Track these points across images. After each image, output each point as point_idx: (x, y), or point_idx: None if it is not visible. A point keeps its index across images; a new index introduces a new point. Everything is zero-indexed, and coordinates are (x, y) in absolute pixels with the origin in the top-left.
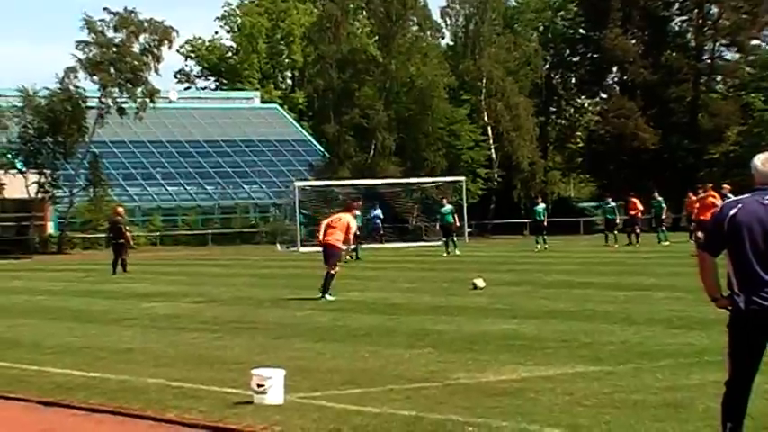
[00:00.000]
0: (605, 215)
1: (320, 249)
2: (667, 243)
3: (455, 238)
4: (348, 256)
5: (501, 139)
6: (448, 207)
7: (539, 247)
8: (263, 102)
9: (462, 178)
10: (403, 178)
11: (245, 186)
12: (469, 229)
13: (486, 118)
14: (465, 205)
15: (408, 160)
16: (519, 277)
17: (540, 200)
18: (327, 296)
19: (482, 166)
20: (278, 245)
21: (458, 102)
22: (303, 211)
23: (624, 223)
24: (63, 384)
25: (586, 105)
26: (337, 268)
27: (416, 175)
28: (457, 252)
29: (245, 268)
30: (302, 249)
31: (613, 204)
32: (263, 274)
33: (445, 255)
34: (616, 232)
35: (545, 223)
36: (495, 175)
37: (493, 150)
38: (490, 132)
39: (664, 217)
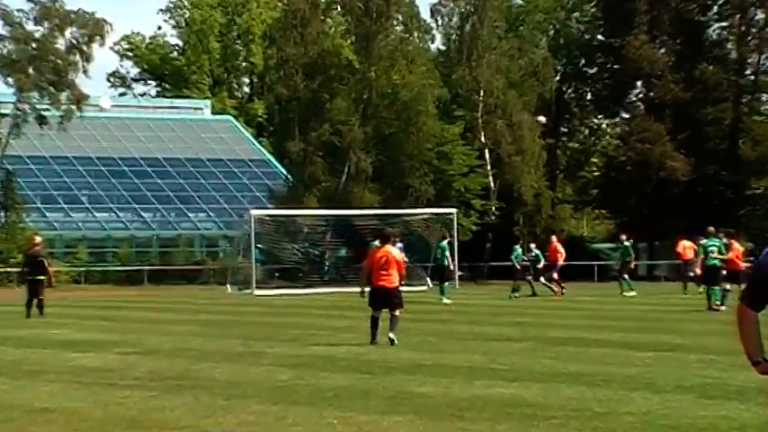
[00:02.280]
0: (622, 257)
1: (309, 291)
2: (633, 293)
3: (446, 283)
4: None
5: (501, 164)
6: (444, 243)
7: (515, 295)
8: (214, 112)
9: (453, 210)
10: (382, 209)
11: (189, 214)
12: (460, 272)
13: (483, 138)
14: (456, 243)
15: (389, 187)
16: (521, 331)
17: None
18: (394, 336)
19: (477, 197)
20: (229, 286)
21: (450, 118)
22: (260, 246)
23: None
24: None
25: (604, 126)
26: (397, 312)
27: (398, 205)
28: (445, 300)
29: (188, 313)
30: (258, 292)
31: (628, 244)
32: (211, 321)
33: (447, 302)
34: (626, 277)
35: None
36: (493, 208)
37: (491, 178)
38: (488, 156)
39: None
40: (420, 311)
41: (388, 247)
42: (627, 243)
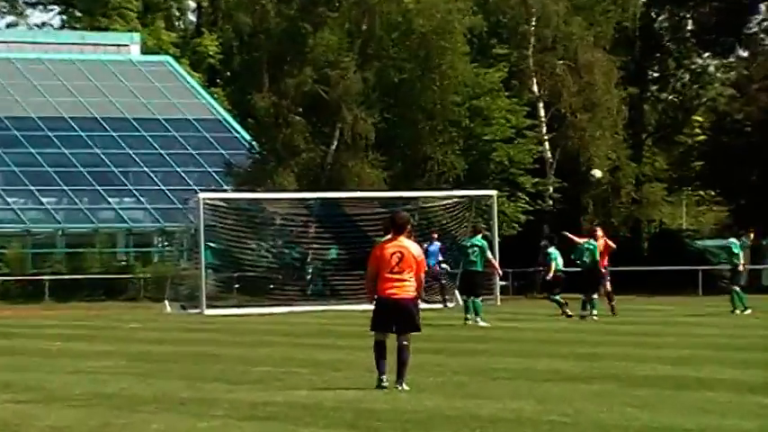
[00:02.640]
0: (731, 259)
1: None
2: (748, 311)
3: (478, 298)
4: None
5: (562, 125)
6: (479, 239)
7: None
8: (146, 51)
9: (492, 192)
10: (389, 190)
11: (110, 200)
12: (503, 282)
13: (535, 88)
14: (496, 240)
15: (399, 160)
16: (588, 367)
17: (480, 226)
18: (404, 386)
19: (527, 173)
20: (168, 303)
21: (488, 59)
22: (212, 245)
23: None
24: None
25: (712, 70)
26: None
27: (413, 185)
28: (480, 322)
29: (110, 342)
30: (210, 311)
31: (738, 242)
32: (143, 354)
33: (467, 321)
34: (737, 289)
35: (498, 273)
36: (551, 189)
37: (547, 145)
38: (542, 114)
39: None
40: (442, 338)
41: (404, 240)
42: (737, 242)
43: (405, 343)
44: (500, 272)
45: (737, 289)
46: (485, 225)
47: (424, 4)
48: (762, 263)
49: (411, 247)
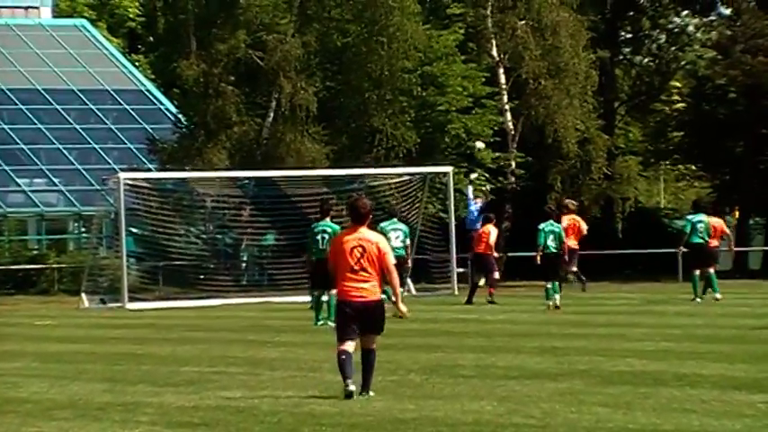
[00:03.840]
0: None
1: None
2: (718, 296)
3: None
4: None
5: (524, 92)
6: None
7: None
8: (57, 15)
9: (448, 169)
10: (332, 167)
11: (19, 181)
12: (459, 269)
13: (495, 51)
14: (453, 222)
15: (343, 133)
16: (556, 363)
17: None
18: (370, 394)
19: (487, 146)
20: (85, 296)
21: (441, 20)
22: (134, 231)
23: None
24: None
25: (691, 29)
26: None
27: (358, 161)
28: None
29: (19, 341)
30: (132, 305)
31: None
32: (57, 354)
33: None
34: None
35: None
36: (514, 164)
37: (508, 115)
38: (503, 80)
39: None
40: (394, 332)
41: (365, 232)
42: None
43: (371, 347)
44: (409, 264)
45: (705, 271)
46: (440, 206)
47: None
48: (748, 245)
49: (374, 238)
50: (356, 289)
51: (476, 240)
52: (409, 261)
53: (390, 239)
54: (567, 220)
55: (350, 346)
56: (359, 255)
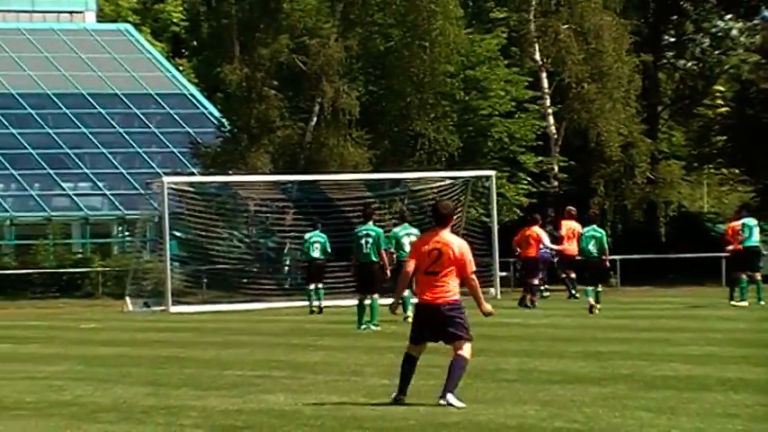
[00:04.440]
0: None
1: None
2: (743, 303)
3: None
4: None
5: (567, 97)
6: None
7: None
8: (102, 20)
9: (490, 173)
10: (375, 171)
11: (64, 185)
12: (503, 273)
13: (537, 56)
14: (495, 225)
15: (385, 137)
16: (599, 367)
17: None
18: (448, 399)
19: (530, 150)
20: (129, 300)
21: (484, 24)
22: (178, 235)
23: None
24: None
25: (734, 33)
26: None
27: (401, 166)
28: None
29: (64, 345)
30: (176, 309)
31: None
32: (101, 357)
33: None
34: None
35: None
36: (556, 168)
37: (551, 119)
38: (546, 84)
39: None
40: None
41: (445, 234)
42: (753, 222)
43: (458, 353)
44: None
45: (744, 276)
46: (482, 210)
47: None
48: None
49: (453, 241)
50: (430, 291)
51: (523, 244)
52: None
53: (404, 245)
54: (565, 226)
55: (415, 349)
56: (435, 257)
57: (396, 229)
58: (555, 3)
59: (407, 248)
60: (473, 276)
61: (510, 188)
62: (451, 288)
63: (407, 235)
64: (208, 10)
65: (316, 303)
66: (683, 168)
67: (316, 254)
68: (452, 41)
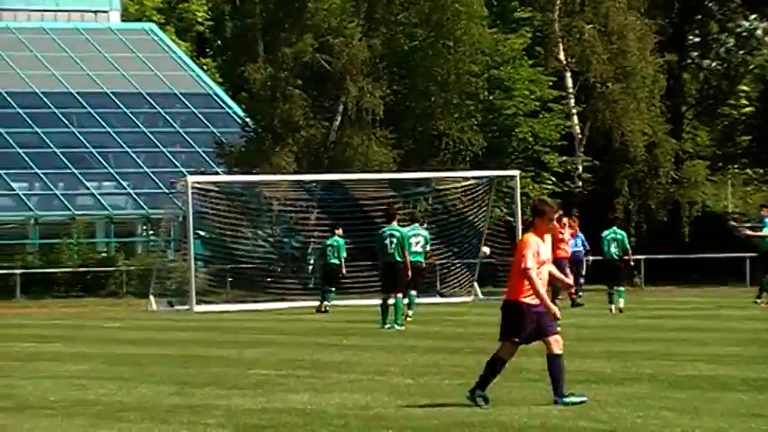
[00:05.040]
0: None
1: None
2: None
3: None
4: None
5: (592, 96)
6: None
7: None
8: (126, 18)
9: (515, 172)
10: (399, 171)
11: (88, 184)
12: None
13: (562, 56)
14: (519, 225)
15: (409, 137)
16: (622, 367)
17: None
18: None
19: (554, 150)
20: (153, 299)
21: (508, 23)
22: (202, 234)
23: None
24: None
25: (759, 33)
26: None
27: (425, 165)
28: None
29: (89, 344)
30: (200, 308)
31: None
32: (126, 356)
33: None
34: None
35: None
36: (580, 168)
37: (575, 119)
38: (570, 84)
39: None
40: (460, 336)
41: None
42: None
43: (551, 351)
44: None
45: None
46: (506, 210)
47: None
48: None
49: (524, 239)
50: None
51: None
52: (424, 264)
53: (411, 245)
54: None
55: (499, 346)
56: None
57: (405, 229)
58: (579, 2)
59: (414, 248)
60: (527, 271)
61: (534, 188)
62: (510, 286)
63: (415, 236)
64: (232, 9)
65: (327, 304)
66: (707, 168)
67: (332, 259)
68: (477, 41)
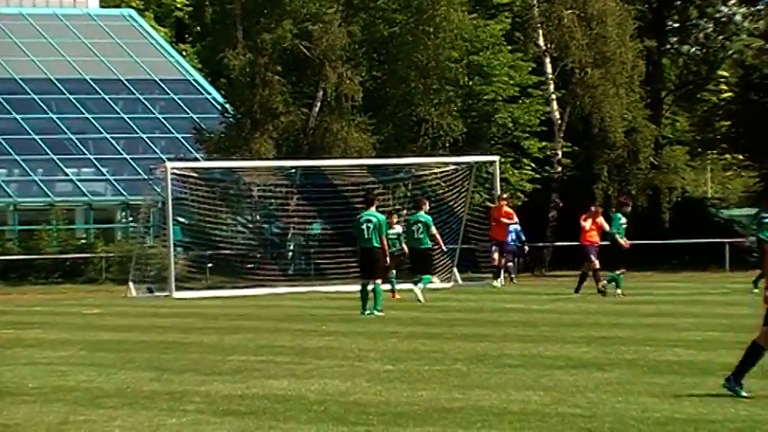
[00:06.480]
0: (760, 234)
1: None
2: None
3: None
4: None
5: (571, 82)
6: (423, 215)
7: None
8: (105, 5)
9: (494, 158)
10: (379, 157)
11: (67, 170)
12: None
13: (541, 41)
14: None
15: (389, 122)
16: (602, 352)
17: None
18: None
19: (534, 136)
20: (132, 285)
21: (488, 9)
22: (181, 220)
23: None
24: None
25: (738, 18)
26: None
27: (405, 151)
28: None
29: (68, 330)
30: (179, 294)
31: None
32: (105, 342)
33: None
34: None
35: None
36: (560, 154)
37: (555, 105)
38: (549, 69)
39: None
40: (439, 322)
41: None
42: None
43: None
44: (444, 248)
45: None
46: (486, 195)
47: None
48: None
49: None
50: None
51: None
52: (442, 246)
53: (414, 232)
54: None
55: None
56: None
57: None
58: None
59: (416, 235)
60: None
61: (514, 174)
62: None
63: (415, 223)
64: None
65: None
66: (686, 154)
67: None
68: (456, 27)
